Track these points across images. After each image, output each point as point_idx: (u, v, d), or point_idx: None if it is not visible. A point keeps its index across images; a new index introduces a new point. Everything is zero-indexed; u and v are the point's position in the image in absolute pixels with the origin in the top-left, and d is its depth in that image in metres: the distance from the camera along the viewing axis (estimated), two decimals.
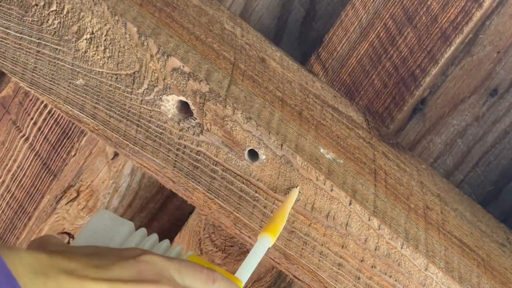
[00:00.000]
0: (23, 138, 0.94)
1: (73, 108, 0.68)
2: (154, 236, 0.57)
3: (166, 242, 0.57)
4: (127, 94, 0.65)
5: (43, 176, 0.95)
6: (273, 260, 0.70)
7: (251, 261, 0.55)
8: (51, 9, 0.64)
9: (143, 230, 0.57)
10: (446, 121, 0.83)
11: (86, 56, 0.65)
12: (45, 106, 0.91)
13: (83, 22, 0.63)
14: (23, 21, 0.65)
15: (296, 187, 0.63)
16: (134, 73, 0.64)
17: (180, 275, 0.49)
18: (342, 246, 0.65)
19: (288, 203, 0.61)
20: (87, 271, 0.44)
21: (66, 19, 0.64)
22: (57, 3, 0.63)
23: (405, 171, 0.74)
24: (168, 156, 0.67)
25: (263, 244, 0.56)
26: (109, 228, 0.55)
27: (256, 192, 0.66)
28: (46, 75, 0.67)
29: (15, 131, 0.94)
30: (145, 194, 0.95)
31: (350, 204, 0.63)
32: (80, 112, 0.68)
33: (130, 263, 0.47)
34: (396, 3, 0.76)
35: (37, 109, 0.92)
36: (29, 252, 0.43)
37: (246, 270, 0.54)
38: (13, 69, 0.69)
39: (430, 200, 0.72)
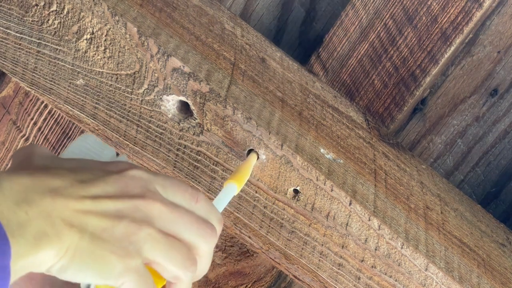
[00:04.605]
0: (23, 138, 0.94)
1: (73, 108, 0.68)
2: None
3: None
4: (127, 94, 0.65)
5: None
6: (273, 260, 0.70)
7: (217, 206, 0.55)
8: (52, 9, 0.64)
9: (125, 156, 0.56)
10: (446, 121, 0.83)
11: (87, 56, 0.65)
12: (45, 106, 0.91)
13: (83, 22, 0.63)
14: (24, 21, 0.66)
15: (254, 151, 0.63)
16: (134, 73, 0.64)
17: (165, 191, 0.48)
18: (342, 246, 0.65)
19: (251, 161, 0.61)
20: (71, 189, 0.43)
21: (67, 19, 0.64)
22: (57, 3, 0.63)
23: (405, 171, 0.74)
24: (168, 156, 0.67)
25: (230, 191, 0.56)
26: (94, 150, 0.54)
27: (256, 192, 0.66)
28: (46, 75, 0.67)
29: (15, 131, 0.94)
30: None
31: (350, 204, 0.63)
32: (80, 112, 0.68)
33: (114, 178, 0.46)
34: (396, 3, 0.76)
35: (37, 109, 0.92)
36: (10, 178, 0.41)
37: None
38: (13, 69, 0.69)
39: (430, 200, 0.72)
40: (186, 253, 0.46)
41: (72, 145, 0.54)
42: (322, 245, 0.66)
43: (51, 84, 0.68)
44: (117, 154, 0.59)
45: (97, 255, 0.42)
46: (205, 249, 0.48)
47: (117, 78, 0.65)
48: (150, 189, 0.47)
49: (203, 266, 0.49)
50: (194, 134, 0.65)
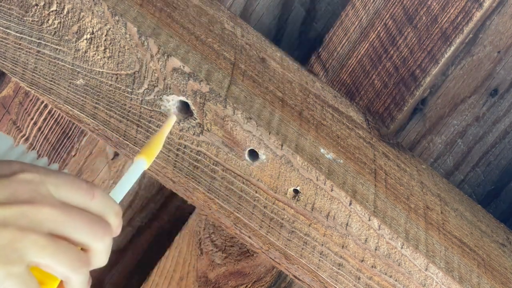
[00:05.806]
0: (23, 138, 0.94)
1: (73, 108, 0.68)
2: (33, 153, 0.56)
3: (44, 159, 0.56)
4: (127, 94, 0.65)
5: None
6: (273, 260, 0.70)
7: (125, 183, 0.54)
8: (51, 9, 0.64)
9: (23, 146, 0.56)
10: (446, 121, 0.83)
11: (86, 56, 0.65)
12: (45, 106, 0.91)
13: (83, 22, 0.63)
14: (24, 21, 0.66)
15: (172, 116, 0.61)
16: (134, 73, 0.64)
17: (57, 190, 0.47)
18: (342, 246, 0.65)
19: (166, 129, 0.59)
20: None
21: (66, 19, 0.64)
22: (57, 3, 0.63)
23: (405, 171, 0.74)
24: (168, 156, 0.67)
25: (139, 167, 0.55)
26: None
27: (256, 192, 0.66)
28: (46, 75, 0.67)
29: (15, 131, 0.95)
30: (145, 194, 0.95)
31: (350, 204, 0.63)
32: (80, 112, 0.68)
33: (3, 183, 0.46)
34: (396, 3, 0.76)
35: (37, 109, 0.92)
36: None
37: (120, 191, 0.53)
38: (13, 69, 0.69)
39: (430, 200, 0.72)
40: (75, 255, 0.47)
41: None
42: (322, 245, 0.66)
43: (51, 84, 0.68)
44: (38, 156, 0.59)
45: None
46: (99, 247, 0.48)
47: (117, 78, 0.65)
48: (41, 192, 0.46)
49: (101, 261, 0.49)
50: (194, 134, 0.65)
